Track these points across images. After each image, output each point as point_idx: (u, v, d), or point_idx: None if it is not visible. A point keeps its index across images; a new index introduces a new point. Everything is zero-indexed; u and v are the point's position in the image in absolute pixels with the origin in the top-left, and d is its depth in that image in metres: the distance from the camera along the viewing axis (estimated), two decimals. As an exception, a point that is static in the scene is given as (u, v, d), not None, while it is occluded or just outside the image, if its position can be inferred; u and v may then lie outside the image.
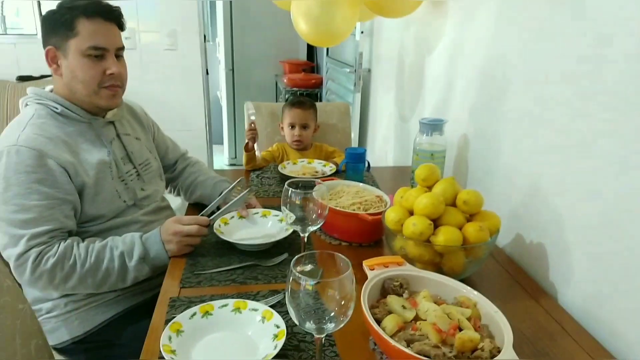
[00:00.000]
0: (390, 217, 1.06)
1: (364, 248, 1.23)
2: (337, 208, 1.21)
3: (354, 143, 2.55)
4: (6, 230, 1.04)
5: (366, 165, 1.72)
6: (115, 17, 1.17)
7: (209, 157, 3.39)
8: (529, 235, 1.17)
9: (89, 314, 1.17)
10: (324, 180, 1.43)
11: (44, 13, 1.18)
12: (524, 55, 1.20)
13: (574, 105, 1.01)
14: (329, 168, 1.76)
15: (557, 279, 1.06)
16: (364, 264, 0.96)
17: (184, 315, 0.87)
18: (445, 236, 0.99)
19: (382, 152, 2.42)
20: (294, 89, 3.67)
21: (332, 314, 0.70)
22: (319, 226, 1.04)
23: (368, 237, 1.24)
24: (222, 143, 4.67)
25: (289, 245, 1.21)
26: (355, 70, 2.50)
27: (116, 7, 1.18)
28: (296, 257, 0.74)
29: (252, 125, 1.76)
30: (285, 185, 1.03)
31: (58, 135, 1.13)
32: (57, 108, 1.16)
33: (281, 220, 1.31)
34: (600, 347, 0.88)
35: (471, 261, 1.04)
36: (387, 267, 0.96)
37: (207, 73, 3.17)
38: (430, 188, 1.10)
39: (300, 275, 0.69)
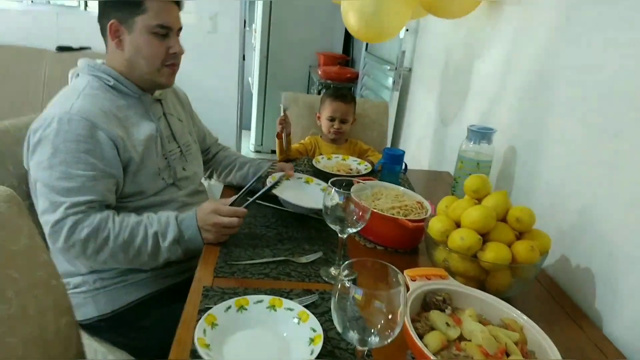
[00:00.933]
0: (436, 227, 1.02)
1: (400, 254, 1.19)
2: (376, 211, 1.17)
3: (389, 143, 2.50)
4: (47, 196, 1.04)
5: (403, 167, 1.67)
6: (179, 1, 1.20)
7: (237, 143, 3.39)
8: (575, 259, 1.11)
9: (117, 293, 1.16)
10: (361, 179, 1.39)
11: None
12: (581, 72, 1.14)
13: (633, 127, 0.95)
14: (364, 167, 1.72)
15: (604, 308, 1.01)
16: (405, 273, 0.92)
17: (219, 307, 0.84)
18: (494, 253, 0.94)
19: (416, 154, 2.37)
20: (328, 81, 3.63)
21: (378, 327, 0.67)
22: (358, 229, 1.01)
23: (406, 243, 1.20)
24: (249, 129, 4.67)
25: (323, 242, 1.18)
26: (396, 69, 2.44)
27: None
28: (347, 262, 0.71)
29: (284, 117, 1.72)
30: (328, 184, 1.00)
31: (110, 109, 1.13)
32: (109, 81, 1.17)
33: (324, 190, 1.31)
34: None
35: (517, 281, 0.99)
36: (430, 279, 0.92)
37: (244, 59, 3.15)
38: (479, 200, 1.05)
39: (350, 284, 0.66)
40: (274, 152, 4.58)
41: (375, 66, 3.00)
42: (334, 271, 1.05)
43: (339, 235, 1.02)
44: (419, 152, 2.31)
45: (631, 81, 0.99)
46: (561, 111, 1.23)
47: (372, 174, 1.66)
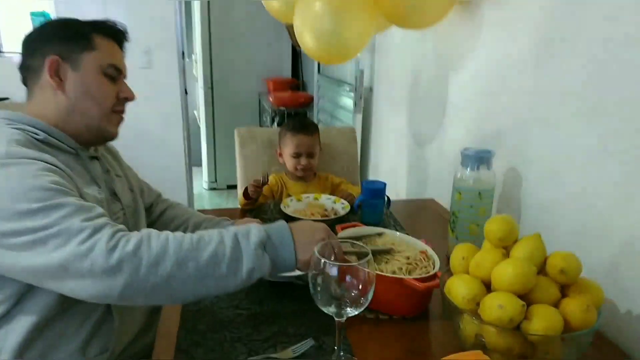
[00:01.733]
0: (460, 292, 0.78)
1: (407, 323, 0.94)
2: (377, 272, 0.92)
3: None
4: (53, 234, 0.72)
5: (386, 201, 1.44)
6: (123, 45, 1.05)
7: (188, 181, 3.08)
8: (623, 305, 0.91)
9: None
10: (342, 228, 1.15)
11: (48, 20, 1.05)
12: (589, 77, 0.96)
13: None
14: (341, 206, 1.47)
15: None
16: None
17: None
18: (544, 321, 0.72)
19: (390, 182, 2.14)
20: (281, 108, 3.40)
21: None
22: (362, 310, 0.76)
23: (414, 308, 0.95)
24: (200, 165, 4.35)
25: (311, 320, 0.92)
26: (356, 89, 2.24)
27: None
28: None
29: (263, 180, 1.46)
30: (315, 252, 0.75)
31: (49, 160, 0.85)
32: (38, 134, 0.89)
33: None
34: None
35: (570, 350, 0.77)
36: (469, 370, 0.68)
37: (186, 92, 2.87)
38: (507, 249, 0.83)
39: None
40: (230, 187, 4.30)
41: (331, 88, 2.79)
42: (334, 363, 0.79)
43: (336, 319, 0.77)
44: (393, 179, 2.10)
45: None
46: (571, 122, 1.03)
47: (352, 212, 1.42)
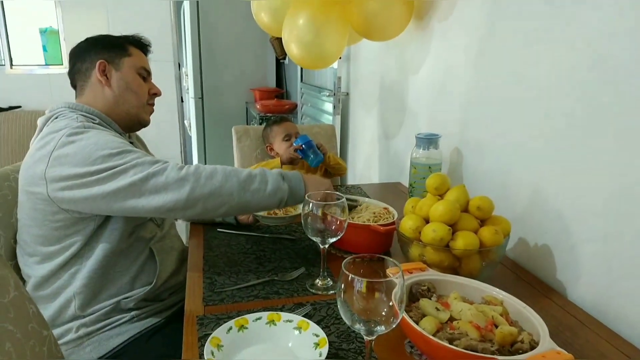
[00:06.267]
0: (408, 226, 1.10)
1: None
2: (350, 221, 1.23)
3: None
4: (133, 165, 1.04)
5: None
6: (148, 54, 1.35)
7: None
8: (532, 238, 1.23)
9: (102, 338, 1.13)
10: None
11: (91, 36, 1.31)
12: (510, 74, 1.30)
13: (560, 114, 1.09)
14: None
15: (565, 277, 1.12)
16: (388, 273, 0.99)
17: (221, 330, 0.86)
18: (464, 240, 1.03)
19: (365, 171, 2.48)
20: (268, 114, 3.71)
21: (383, 315, 0.72)
22: (338, 237, 1.07)
23: (380, 248, 1.27)
24: (191, 172, 4.61)
25: (302, 259, 1.23)
26: (335, 94, 2.57)
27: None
28: (347, 259, 0.77)
29: None
30: (306, 198, 1.05)
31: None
32: (94, 119, 1.19)
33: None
34: (616, 335, 0.94)
35: (486, 264, 1.08)
36: (412, 272, 0.99)
37: (182, 101, 3.16)
38: (442, 196, 1.15)
39: (354, 277, 0.71)
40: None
41: (313, 94, 3.12)
42: (319, 282, 1.09)
43: (321, 246, 1.07)
44: (368, 168, 2.42)
45: (555, 74, 1.14)
46: (498, 110, 1.36)
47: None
